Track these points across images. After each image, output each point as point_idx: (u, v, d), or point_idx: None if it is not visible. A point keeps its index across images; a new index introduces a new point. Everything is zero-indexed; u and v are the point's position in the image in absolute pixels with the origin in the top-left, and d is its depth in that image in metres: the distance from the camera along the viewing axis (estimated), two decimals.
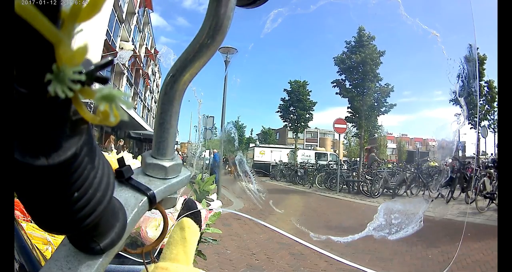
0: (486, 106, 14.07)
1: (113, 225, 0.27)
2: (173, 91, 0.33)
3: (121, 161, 0.32)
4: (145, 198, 0.32)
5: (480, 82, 13.39)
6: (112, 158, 0.70)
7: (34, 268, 0.48)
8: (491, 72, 13.84)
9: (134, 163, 0.82)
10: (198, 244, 0.68)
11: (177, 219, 0.47)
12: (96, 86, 0.18)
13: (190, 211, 0.50)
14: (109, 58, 0.18)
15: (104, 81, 0.18)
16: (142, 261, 0.39)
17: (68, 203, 0.21)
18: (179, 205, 0.62)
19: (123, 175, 0.32)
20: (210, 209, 0.74)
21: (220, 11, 0.30)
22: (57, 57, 0.16)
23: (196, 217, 0.49)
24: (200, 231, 0.50)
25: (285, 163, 17.51)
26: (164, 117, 0.34)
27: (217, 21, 0.30)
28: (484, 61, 13.41)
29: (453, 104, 13.46)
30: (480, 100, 13.28)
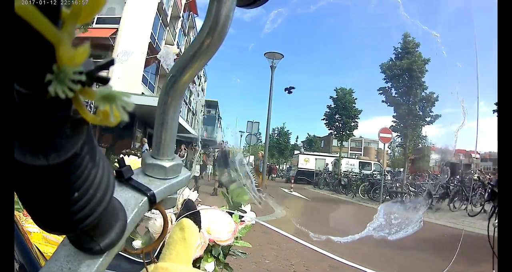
0: None
1: (113, 225, 0.27)
2: (173, 91, 0.33)
3: (121, 161, 0.33)
4: (145, 198, 0.32)
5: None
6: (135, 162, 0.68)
7: (34, 268, 0.47)
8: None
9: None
10: (225, 257, 0.66)
11: (176, 219, 0.47)
12: (101, 86, 0.18)
13: (189, 211, 0.50)
14: (110, 58, 0.18)
15: (104, 81, 0.18)
16: (142, 261, 0.39)
17: (68, 203, 0.21)
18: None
19: (123, 175, 0.32)
20: (242, 221, 0.71)
21: (220, 11, 0.30)
22: (58, 58, 0.16)
23: (196, 217, 0.50)
24: (199, 231, 0.50)
25: (329, 171, 17.25)
26: (164, 117, 0.34)
27: (217, 21, 0.30)
28: None
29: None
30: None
